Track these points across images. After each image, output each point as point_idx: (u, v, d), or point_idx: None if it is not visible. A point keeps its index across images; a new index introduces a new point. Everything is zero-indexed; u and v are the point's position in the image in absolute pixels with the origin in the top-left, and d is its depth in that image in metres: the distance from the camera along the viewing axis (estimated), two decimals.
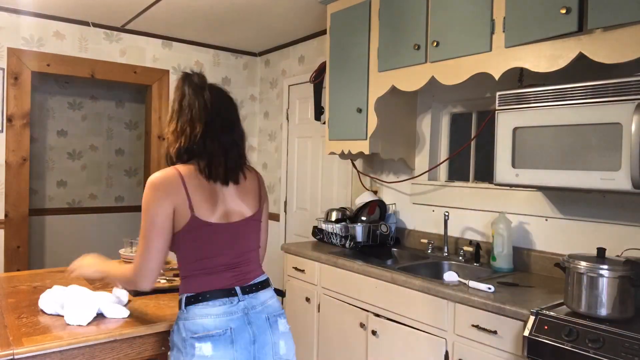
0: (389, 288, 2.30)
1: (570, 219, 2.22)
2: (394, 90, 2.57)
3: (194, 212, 1.43)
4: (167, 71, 4.12)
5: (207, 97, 1.59)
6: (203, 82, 1.65)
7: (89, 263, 1.80)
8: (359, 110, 2.76)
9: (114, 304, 1.71)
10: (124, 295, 1.83)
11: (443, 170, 2.95)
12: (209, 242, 1.47)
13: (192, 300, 1.45)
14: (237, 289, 1.48)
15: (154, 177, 1.45)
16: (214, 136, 1.51)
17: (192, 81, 1.63)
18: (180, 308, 1.49)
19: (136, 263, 1.45)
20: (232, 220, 1.51)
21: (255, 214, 1.57)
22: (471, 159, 2.79)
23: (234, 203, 1.53)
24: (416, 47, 2.39)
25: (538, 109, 1.92)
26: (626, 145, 1.65)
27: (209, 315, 1.43)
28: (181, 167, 1.48)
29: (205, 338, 1.41)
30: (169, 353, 1.54)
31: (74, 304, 1.63)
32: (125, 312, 1.68)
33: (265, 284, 1.57)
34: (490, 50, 2.06)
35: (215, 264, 1.48)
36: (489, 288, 1.97)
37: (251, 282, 1.53)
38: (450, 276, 2.15)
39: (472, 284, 2.03)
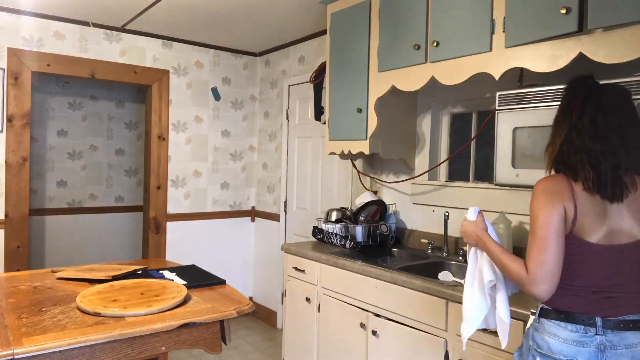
0: (389, 288, 2.30)
1: None
2: (394, 90, 2.57)
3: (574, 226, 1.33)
4: (167, 71, 4.12)
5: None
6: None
7: (478, 226, 1.58)
8: (359, 110, 2.76)
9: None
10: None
11: (443, 170, 2.95)
12: (583, 261, 1.34)
13: (546, 314, 1.37)
14: (598, 319, 1.30)
15: None
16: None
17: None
18: (534, 315, 1.42)
19: (536, 261, 1.31)
20: (616, 242, 1.33)
21: None
22: (471, 159, 2.79)
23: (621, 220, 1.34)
24: (416, 47, 2.39)
25: (538, 109, 1.92)
26: None
27: (557, 336, 1.32)
28: None
29: (547, 357, 1.33)
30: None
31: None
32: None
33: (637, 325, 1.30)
34: (490, 50, 2.06)
35: (583, 284, 1.34)
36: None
37: (620, 317, 1.31)
38: (444, 276, 2.15)
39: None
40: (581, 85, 1.42)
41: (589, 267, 1.33)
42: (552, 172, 1.43)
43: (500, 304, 1.50)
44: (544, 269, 1.29)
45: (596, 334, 1.29)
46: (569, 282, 1.34)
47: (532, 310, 1.44)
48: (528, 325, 1.44)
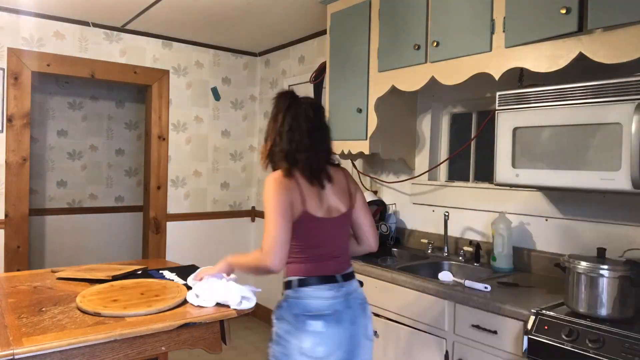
0: (389, 288, 2.30)
1: (570, 219, 2.22)
2: (394, 90, 2.57)
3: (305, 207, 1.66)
4: (167, 71, 4.12)
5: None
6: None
7: (208, 267, 1.97)
8: (359, 110, 2.76)
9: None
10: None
11: (443, 170, 2.95)
12: (316, 234, 1.69)
13: (305, 283, 1.65)
14: (338, 276, 1.70)
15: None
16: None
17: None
18: (290, 288, 1.67)
19: (266, 238, 1.59)
20: (334, 215, 1.71)
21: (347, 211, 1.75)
22: (471, 159, 2.79)
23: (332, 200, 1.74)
24: (416, 47, 2.39)
25: (538, 109, 1.92)
26: (626, 145, 1.65)
27: (321, 297, 1.64)
28: None
29: (318, 317, 1.62)
30: (273, 327, 1.70)
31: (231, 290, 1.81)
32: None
33: (352, 274, 1.77)
34: (490, 50, 2.06)
35: (321, 253, 1.69)
36: (485, 287, 1.97)
37: (345, 271, 1.73)
38: (445, 276, 2.15)
39: (468, 283, 2.03)
40: (284, 99, 1.81)
41: (322, 234, 1.69)
42: (269, 168, 1.76)
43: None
44: (273, 242, 1.57)
45: (341, 287, 1.68)
46: (310, 253, 1.68)
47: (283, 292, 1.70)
48: (281, 302, 1.69)
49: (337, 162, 1.83)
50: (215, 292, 1.84)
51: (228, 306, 1.82)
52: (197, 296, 1.85)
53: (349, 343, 1.66)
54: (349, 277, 1.74)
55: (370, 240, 1.84)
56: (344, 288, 1.69)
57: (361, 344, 1.71)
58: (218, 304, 1.83)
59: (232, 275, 1.94)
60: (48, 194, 4.72)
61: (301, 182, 1.67)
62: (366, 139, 2.74)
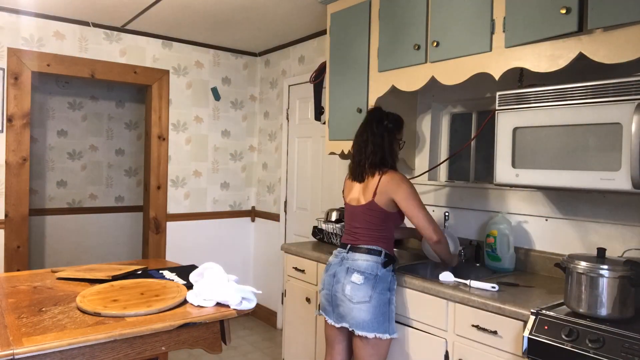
0: None
1: (570, 219, 2.22)
2: (394, 90, 2.57)
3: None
4: (167, 71, 4.12)
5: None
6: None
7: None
8: (359, 110, 2.76)
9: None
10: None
11: (443, 170, 2.95)
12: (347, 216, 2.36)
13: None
14: (349, 245, 2.25)
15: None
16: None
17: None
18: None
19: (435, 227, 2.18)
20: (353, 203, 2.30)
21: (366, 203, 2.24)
22: (471, 159, 2.79)
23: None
24: (416, 47, 2.39)
25: (538, 109, 1.92)
26: (626, 145, 1.65)
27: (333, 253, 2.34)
28: None
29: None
30: None
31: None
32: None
33: (362, 250, 2.19)
34: (490, 50, 2.06)
35: (346, 227, 2.35)
36: (493, 287, 1.97)
37: (355, 245, 2.23)
38: (445, 276, 2.15)
39: (475, 283, 2.03)
40: (367, 112, 2.39)
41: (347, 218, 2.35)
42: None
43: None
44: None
45: (344, 252, 2.25)
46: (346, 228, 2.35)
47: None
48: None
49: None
50: (216, 291, 1.84)
51: (228, 306, 1.82)
52: (198, 295, 1.86)
53: (328, 287, 2.23)
54: (354, 250, 2.22)
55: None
56: (346, 254, 2.24)
57: (339, 298, 2.17)
58: (218, 304, 1.83)
59: (233, 276, 1.95)
60: (48, 194, 4.73)
61: None
62: None
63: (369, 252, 2.18)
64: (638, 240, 1.99)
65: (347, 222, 2.32)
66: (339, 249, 2.30)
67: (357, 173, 2.27)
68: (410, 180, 2.97)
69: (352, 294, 2.13)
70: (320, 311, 2.33)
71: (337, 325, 2.21)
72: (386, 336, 2.12)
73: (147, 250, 4.12)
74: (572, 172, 1.82)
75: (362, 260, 2.17)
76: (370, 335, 2.09)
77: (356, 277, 2.13)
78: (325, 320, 2.29)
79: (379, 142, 2.22)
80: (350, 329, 2.15)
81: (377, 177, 2.21)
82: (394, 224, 2.27)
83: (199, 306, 1.82)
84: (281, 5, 3.20)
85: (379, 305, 2.11)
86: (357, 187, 2.27)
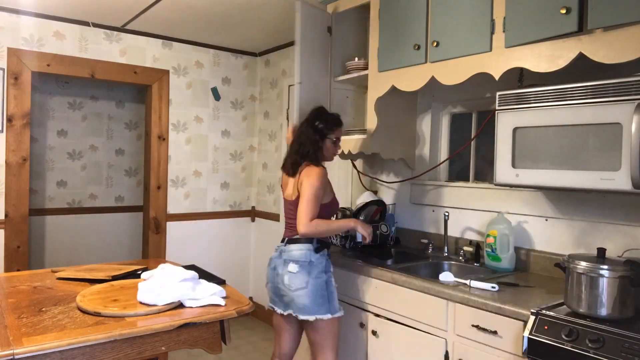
0: (389, 288, 2.30)
1: (570, 219, 2.22)
2: (394, 90, 2.57)
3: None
4: (167, 71, 4.12)
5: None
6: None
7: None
8: None
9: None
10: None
11: (443, 170, 2.95)
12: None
13: None
14: (286, 239, 2.36)
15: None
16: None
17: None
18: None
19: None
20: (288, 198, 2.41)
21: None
22: (471, 159, 2.79)
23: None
24: (416, 47, 2.39)
25: (538, 109, 1.92)
26: (626, 145, 1.65)
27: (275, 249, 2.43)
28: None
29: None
30: None
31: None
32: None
33: (295, 241, 2.31)
34: (490, 50, 2.06)
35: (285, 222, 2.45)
36: (493, 287, 1.97)
37: (290, 238, 2.35)
38: (446, 277, 2.15)
39: (475, 283, 2.03)
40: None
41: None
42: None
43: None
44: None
45: (282, 245, 2.37)
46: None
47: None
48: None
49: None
50: (170, 289, 1.84)
51: (182, 304, 1.84)
52: (151, 291, 1.84)
53: (272, 280, 2.37)
54: (289, 242, 2.34)
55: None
56: (283, 247, 2.36)
57: (281, 289, 2.31)
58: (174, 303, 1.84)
59: (193, 273, 1.95)
60: (48, 194, 4.72)
61: None
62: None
63: (302, 241, 2.30)
64: (638, 240, 1.99)
65: (285, 216, 2.44)
66: (279, 243, 2.40)
67: (287, 167, 2.39)
68: (411, 180, 2.99)
69: (290, 282, 2.26)
70: (270, 304, 2.44)
71: (285, 313, 2.32)
72: (328, 316, 2.23)
73: (147, 250, 4.12)
74: (572, 172, 1.82)
75: (296, 250, 2.29)
76: (311, 318, 2.22)
77: (292, 267, 2.26)
78: (274, 311, 2.42)
79: (303, 140, 2.33)
80: (293, 315, 2.27)
81: (300, 172, 2.32)
82: (323, 214, 2.30)
83: (154, 305, 1.79)
84: (281, 5, 3.20)
85: (316, 289, 2.23)
86: (290, 181, 2.38)
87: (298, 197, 2.28)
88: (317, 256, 2.28)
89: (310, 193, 2.22)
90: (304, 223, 2.19)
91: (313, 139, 2.32)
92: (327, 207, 2.34)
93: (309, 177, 2.25)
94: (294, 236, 2.34)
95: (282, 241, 2.39)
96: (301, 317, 2.24)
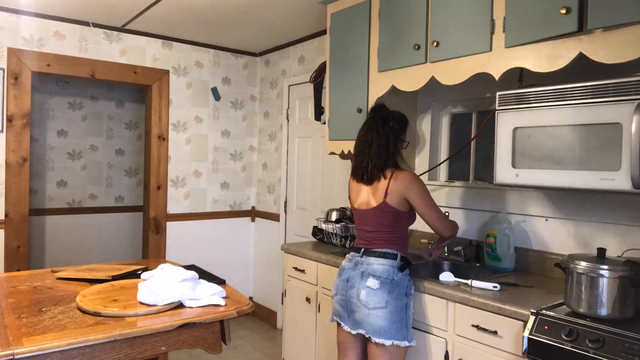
0: None
1: (570, 219, 2.22)
2: (394, 90, 2.57)
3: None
4: (167, 71, 4.12)
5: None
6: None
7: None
8: (359, 110, 2.76)
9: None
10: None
11: (443, 170, 2.95)
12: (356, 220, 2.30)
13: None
14: (362, 249, 2.18)
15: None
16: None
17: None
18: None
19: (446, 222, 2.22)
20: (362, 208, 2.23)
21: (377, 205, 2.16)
22: (471, 159, 2.79)
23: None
24: (416, 47, 2.39)
25: (538, 109, 1.92)
26: (626, 145, 1.65)
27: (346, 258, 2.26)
28: None
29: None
30: None
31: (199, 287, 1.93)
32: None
33: (377, 254, 2.12)
34: (490, 50, 2.06)
35: (358, 232, 2.28)
36: (495, 287, 1.97)
37: (368, 249, 2.16)
38: (446, 277, 2.15)
39: (476, 283, 2.03)
40: (371, 110, 2.32)
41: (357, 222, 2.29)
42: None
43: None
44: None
45: (358, 257, 2.17)
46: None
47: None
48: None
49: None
50: (170, 289, 1.83)
51: (182, 304, 1.85)
52: (151, 292, 1.83)
53: (343, 292, 2.15)
54: (368, 254, 2.15)
55: None
56: (359, 258, 2.16)
57: (354, 303, 2.09)
58: (176, 303, 1.84)
59: (193, 273, 1.95)
60: (48, 194, 4.72)
61: None
62: None
63: (384, 255, 2.10)
64: (638, 240, 1.99)
65: (358, 226, 2.24)
66: (352, 252, 2.21)
67: (361, 174, 2.20)
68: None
69: (367, 299, 2.04)
70: (334, 317, 2.22)
71: (354, 332, 2.11)
72: (405, 343, 2.02)
73: (147, 250, 4.12)
74: (572, 172, 1.82)
75: (378, 264, 2.09)
76: (388, 342, 2.00)
77: (372, 282, 2.05)
78: (340, 327, 2.21)
79: (383, 143, 2.15)
80: (366, 336, 2.06)
81: (387, 177, 2.13)
82: (407, 224, 2.20)
83: (154, 305, 1.79)
84: (281, 5, 3.20)
85: (396, 311, 2.03)
86: (365, 189, 2.19)
87: (380, 205, 2.12)
88: (400, 275, 2.07)
89: (427, 197, 2.14)
90: (446, 226, 2.17)
91: (393, 140, 2.16)
92: (409, 216, 2.21)
93: (413, 183, 2.12)
94: (372, 247, 2.14)
95: (357, 251, 2.19)
96: (375, 339, 2.02)
